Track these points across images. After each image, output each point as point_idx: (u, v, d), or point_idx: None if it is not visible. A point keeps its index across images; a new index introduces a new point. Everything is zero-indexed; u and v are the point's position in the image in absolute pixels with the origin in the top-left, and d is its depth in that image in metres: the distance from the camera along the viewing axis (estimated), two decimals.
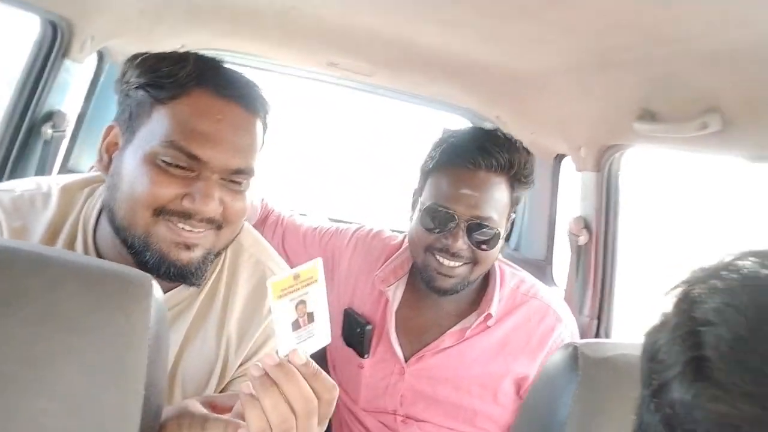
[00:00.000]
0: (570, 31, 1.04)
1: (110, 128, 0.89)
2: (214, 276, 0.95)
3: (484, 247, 1.17)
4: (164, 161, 0.81)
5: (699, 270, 0.35)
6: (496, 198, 1.17)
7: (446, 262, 1.18)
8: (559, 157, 1.80)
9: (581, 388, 0.54)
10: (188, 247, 0.84)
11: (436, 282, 1.20)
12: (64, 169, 1.62)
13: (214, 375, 0.93)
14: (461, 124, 2.02)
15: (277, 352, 0.63)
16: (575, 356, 0.56)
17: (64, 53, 1.35)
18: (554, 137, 1.62)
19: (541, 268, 1.95)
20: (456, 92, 1.80)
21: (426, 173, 1.24)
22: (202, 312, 0.94)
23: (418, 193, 1.26)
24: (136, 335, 0.59)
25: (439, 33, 1.34)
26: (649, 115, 1.14)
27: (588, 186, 1.55)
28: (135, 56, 0.88)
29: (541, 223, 1.97)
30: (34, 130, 1.39)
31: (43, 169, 1.46)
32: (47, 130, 1.40)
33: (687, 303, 0.34)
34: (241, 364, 0.95)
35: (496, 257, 1.24)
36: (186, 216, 0.82)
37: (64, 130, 1.47)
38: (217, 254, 0.90)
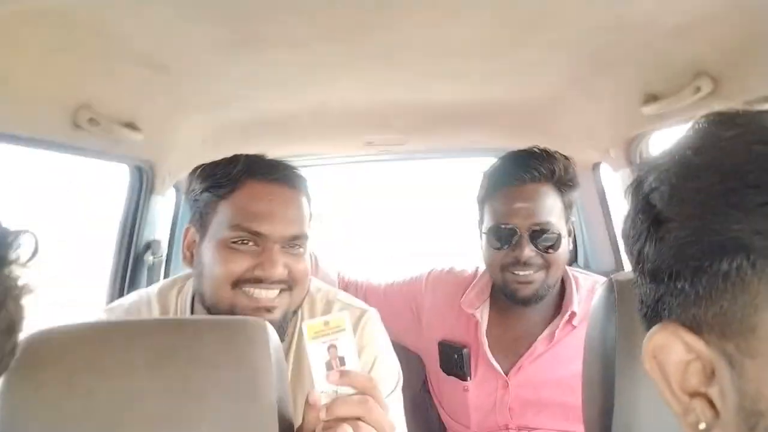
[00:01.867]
0: (565, 45, 1.17)
1: (187, 229, 1.11)
2: (297, 330, 1.12)
3: (550, 251, 1.30)
4: (233, 242, 1.00)
5: (645, 164, 0.48)
6: (549, 204, 1.31)
7: (521, 272, 1.30)
8: (596, 166, 1.90)
9: (620, 309, 0.64)
10: (268, 310, 1.01)
11: (518, 293, 1.32)
12: None
13: None
14: None
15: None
16: (611, 285, 0.66)
17: (151, 190, 1.61)
18: (584, 149, 1.74)
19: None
20: (482, 136, 1.96)
21: (482, 202, 1.41)
22: (298, 362, 1.10)
23: (480, 222, 1.42)
24: (262, 363, 0.74)
25: (451, 86, 1.52)
26: (652, 98, 1.25)
27: (627, 182, 1.64)
28: (194, 170, 1.11)
29: (601, 234, 2.03)
30: (138, 259, 1.64)
31: None
32: (149, 258, 1.65)
33: (638, 188, 0.46)
34: None
35: (566, 259, 1.37)
36: (258, 281, 1.00)
37: (161, 256, 1.71)
38: (294, 312, 1.07)
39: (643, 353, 0.44)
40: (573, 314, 1.35)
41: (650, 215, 0.44)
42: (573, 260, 2.14)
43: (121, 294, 1.60)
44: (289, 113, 1.65)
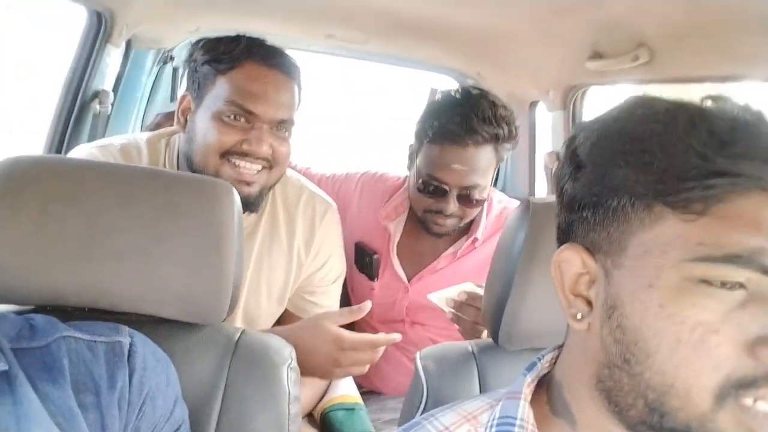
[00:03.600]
0: None
1: (184, 96, 1.17)
2: (268, 207, 1.23)
3: (471, 206, 1.43)
4: (227, 116, 1.08)
5: (579, 125, 0.61)
6: (483, 166, 1.39)
7: (440, 219, 1.43)
8: (534, 104, 2.05)
9: (531, 226, 0.80)
10: (248, 183, 1.11)
11: (432, 230, 1.47)
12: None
13: (291, 276, 1.24)
14: (447, 82, 2.27)
15: None
16: (528, 204, 0.82)
17: (107, 39, 1.59)
18: (527, 86, 1.88)
19: None
20: (441, 54, 2.05)
21: (421, 140, 1.45)
22: (268, 232, 1.23)
23: (415, 152, 1.48)
24: (227, 218, 0.84)
25: (423, 0, 1.58)
26: (597, 55, 1.40)
27: (558, 123, 1.82)
28: (199, 41, 1.16)
29: (522, 165, 2.23)
30: (85, 107, 1.64)
31: (93, 140, 1.70)
32: (96, 106, 1.65)
33: (571, 142, 0.59)
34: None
35: (482, 206, 1.49)
36: (244, 155, 1.09)
37: (108, 107, 1.72)
38: (269, 189, 1.18)
39: (552, 261, 0.59)
40: (476, 239, 1.51)
41: (574, 162, 0.58)
42: (492, 183, 2.33)
43: (62, 140, 1.61)
44: None
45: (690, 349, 0.47)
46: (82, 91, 1.62)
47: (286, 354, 0.89)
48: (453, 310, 1.18)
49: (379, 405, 1.50)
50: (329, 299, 1.32)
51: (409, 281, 1.55)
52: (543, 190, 2.12)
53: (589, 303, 0.56)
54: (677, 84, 1.27)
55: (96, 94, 1.66)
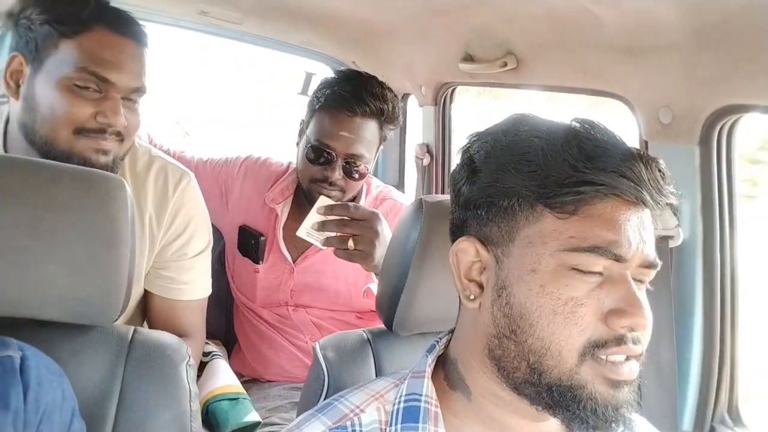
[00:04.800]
0: None
1: (13, 57, 1.05)
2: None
3: (355, 177, 1.47)
4: (77, 85, 1.01)
5: (474, 135, 0.69)
6: (368, 138, 1.46)
7: (325, 190, 1.46)
8: (405, 96, 2.15)
9: (425, 223, 0.87)
10: (105, 152, 1.06)
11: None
12: None
13: (144, 251, 1.19)
14: (323, 69, 2.28)
15: None
16: (421, 203, 0.89)
17: None
18: (401, 79, 1.96)
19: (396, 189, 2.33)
20: (318, 40, 2.06)
21: (313, 111, 1.49)
22: None
23: (305, 125, 1.52)
24: (120, 214, 0.82)
25: None
26: (469, 58, 1.51)
27: (428, 117, 1.94)
28: None
29: (393, 154, 2.34)
30: None
31: None
32: None
33: (467, 149, 0.68)
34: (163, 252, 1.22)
35: (361, 184, 1.56)
36: (102, 131, 1.04)
37: None
38: (120, 160, 1.12)
39: (450, 251, 0.67)
40: None
41: (470, 167, 0.66)
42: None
43: None
44: None
45: (563, 319, 0.59)
46: None
47: (184, 351, 0.89)
48: (321, 236, 1.25)
49: (262, 393, 1.52)
50: (189, 275, 1.25)
51: (294, 262, 1.57)
52: (412, 178, 2.24)
53: (481, 286, 0.66)
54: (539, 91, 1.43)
55: None
